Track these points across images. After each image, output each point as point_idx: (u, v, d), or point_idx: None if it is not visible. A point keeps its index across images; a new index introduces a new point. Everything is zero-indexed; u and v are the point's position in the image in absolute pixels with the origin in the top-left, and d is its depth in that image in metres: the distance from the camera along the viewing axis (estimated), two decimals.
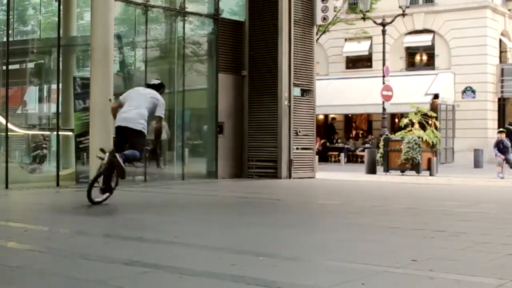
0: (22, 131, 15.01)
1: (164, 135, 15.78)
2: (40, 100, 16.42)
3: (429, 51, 32.23)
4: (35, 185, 12.64)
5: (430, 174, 19.61)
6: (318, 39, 24.74)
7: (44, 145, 14.94)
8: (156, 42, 16.33)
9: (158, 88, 9.83)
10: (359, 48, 32.66)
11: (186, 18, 16.20)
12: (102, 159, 9.34)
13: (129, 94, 9.68)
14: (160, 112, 9.54)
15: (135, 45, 16.04)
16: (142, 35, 15.44)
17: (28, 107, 16.42)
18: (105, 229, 7.19)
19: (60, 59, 14.09)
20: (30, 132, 15.39)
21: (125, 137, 9.33)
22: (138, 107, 9.31)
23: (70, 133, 13.85)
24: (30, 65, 16.17)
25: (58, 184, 12.94)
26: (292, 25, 16.56)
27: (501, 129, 22.09)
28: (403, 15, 24.02)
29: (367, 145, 28.63)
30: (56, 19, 13.91)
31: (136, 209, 9.70)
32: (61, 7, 13.97)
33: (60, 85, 14.17)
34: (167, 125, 15.88)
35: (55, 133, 13.99)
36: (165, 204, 10.64)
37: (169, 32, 16.48)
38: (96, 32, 12.84)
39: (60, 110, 14.11)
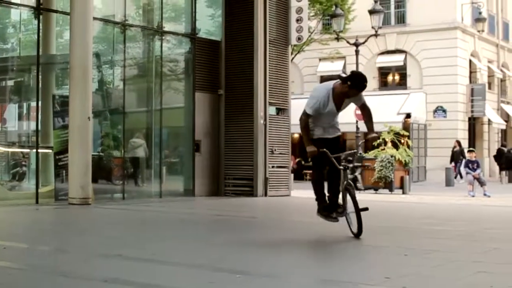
0: (1, 149, 15.03)
1: (142, 153, 15.93)
2: (20, 117, 16.41)
3: (401, 71, 32.70)
4: (14, 203, 12.64)
5: (403, 192, 19.88)
6: (293, 58, 25.05)
7: (23, 163, 14.97)
8: (134, 61, 16.45)
9: (344, 80, 7.70)
10: (333, 67, 32.90)
11: (163, 37, 16.36)
12: None
13: None
14: (305, 104, 7.85)
15: (113, 63, 16.11)
16: (120, 54, 15.54)
17: (8, 124, 16.38)
18: (84, 246, 7.21)
19: (40, 77, 14.18)
20: (10, 150, 15.37)
21: None
22: None
23: (49, 151, 13.89)
24: (10, 82, 16.17)
25: (37, 202, 12.98)
26: (268, 45, 16.72)
27: (471, 149, 22.54)
28: (376, 35, 24.36)
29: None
30: (36, 37, 14.01)
31: (115, 226, 9.74)
32: (41, 25, 14.07)
33: (40, 102, 14.22)
34: (145, 143, 16.01)
35: (34, 150, 14.08)
36: (143, 221, 10.70)
37: (147, 51, 16.64)
38: (75, 51, 12.95)
39: (39, 128, 14.14)
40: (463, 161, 27.87)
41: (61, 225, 10.33)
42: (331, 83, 7.80)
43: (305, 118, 7.73)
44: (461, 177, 27.67)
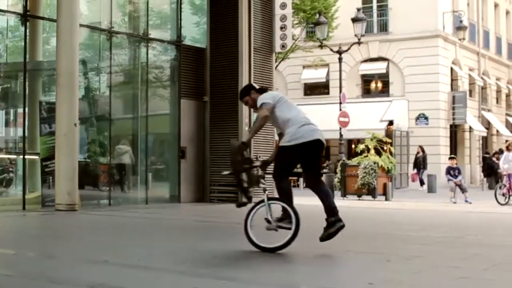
0: None
1: (128, 160, 15.99)
2: (7, 124, 16.37)
3: (384, 78, 32.98)
4: (0, 209, 12.60)
5: (386, 199, 20.03)
6: (277, 66, 25.17)
7: (10, 169, 14.95)
8: (120, 68, 16.51)
9: None
10: (317, 75, 33.20)
11: (149, 44, 16.44)
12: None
13: (284, 98, 7.49)
14: None
15: (99, 70, 16.14)
16: (106, 61, 15.60)
17: None
18: (71, 252, 7.23)
19: (26, 83, 14.19)
20: None
21: (313, 156, 7.27)
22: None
23: (36, 157, 13.89)
24: None
25: (24, 208, 13.00)
26: (252, 52, 16.83)
27: (452, 156, 22.79)
28: (359, 43, 24.58)
29: (324, 170, 29.04)
30: (23, 43, 14.06)
31: (101, 232, 9.76)
32: (28, 32, 14.10)
33: (26, 109, 14.24)
34: (130, 149, 16.05)
35: (21, 157, 14.09)
36: (130, 227, 10.73)
37: (133, 58, 16.69)
38: (61, 57, 13.01)
39: (26, 134, 14.16)
40: (423, 168, 28.35)
41: (47, 231, 10.34)
42: None
43: None
44: (423, 184, 28.03)
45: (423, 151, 29.07)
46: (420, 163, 28.65)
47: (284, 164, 7.28)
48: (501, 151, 27.49)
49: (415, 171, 28.87)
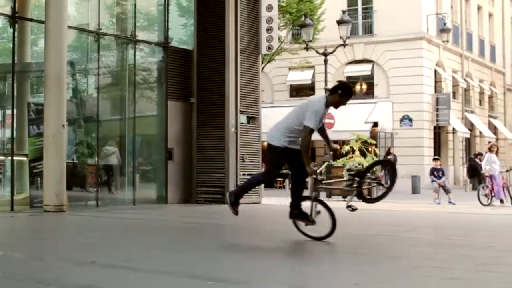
0: None
1: (115, 161, 16.04)
2: None
3: (369, 80, 33.19)
4: None
5: None
6: (263, 68, 25.31)
7: None
8: (108, 69, 16.53)
9: (333, 91, 8.04)
10: (303, 77, 33.36)
11: (137, 46, 16.48)
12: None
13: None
14: (306, 121, 7.84)
15: (87, 72, 16.18)
16: (94, 62, 15.64)
17: None
18: (59, 253, 7.23)
19: (15, 85, 14.20)
20: None
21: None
22: (283, 120, 8.18)
23: (24, 158, 13.88)
24: None
25: (12, 209, 13.01)
26: (239, 54, 16.92)
27: (436, 157, 23.02)
28: (344, 45, 24.73)
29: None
30: (11, 45, 14.05)
31: (89, 233, 9.76)
32: (16, 33, 14.10)
33: (15, 110, 14.24)
34: (117, 150, 16.11)
35: (9, 158, 14.07)
36: (117, 228, 10.76)
37: (121, 59, 16.74)
38: (49, 59, 13.04)
39: (14, 135, 14.16)
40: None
41: (35, 232, 10.31)
42: (322, 96, 8.19)
43: (310, 136, 7.93)
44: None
45: (391, 153, 29.15)
46: None
47: None
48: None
49: (382, 174, 28.86)
